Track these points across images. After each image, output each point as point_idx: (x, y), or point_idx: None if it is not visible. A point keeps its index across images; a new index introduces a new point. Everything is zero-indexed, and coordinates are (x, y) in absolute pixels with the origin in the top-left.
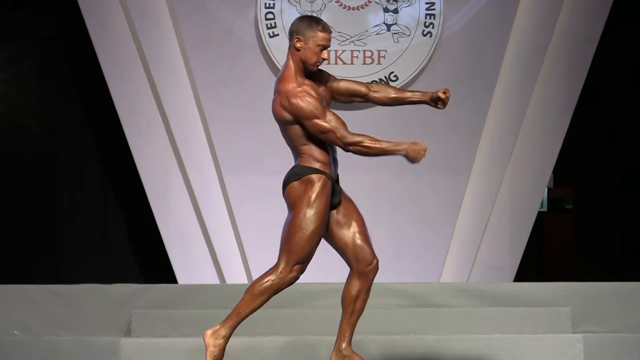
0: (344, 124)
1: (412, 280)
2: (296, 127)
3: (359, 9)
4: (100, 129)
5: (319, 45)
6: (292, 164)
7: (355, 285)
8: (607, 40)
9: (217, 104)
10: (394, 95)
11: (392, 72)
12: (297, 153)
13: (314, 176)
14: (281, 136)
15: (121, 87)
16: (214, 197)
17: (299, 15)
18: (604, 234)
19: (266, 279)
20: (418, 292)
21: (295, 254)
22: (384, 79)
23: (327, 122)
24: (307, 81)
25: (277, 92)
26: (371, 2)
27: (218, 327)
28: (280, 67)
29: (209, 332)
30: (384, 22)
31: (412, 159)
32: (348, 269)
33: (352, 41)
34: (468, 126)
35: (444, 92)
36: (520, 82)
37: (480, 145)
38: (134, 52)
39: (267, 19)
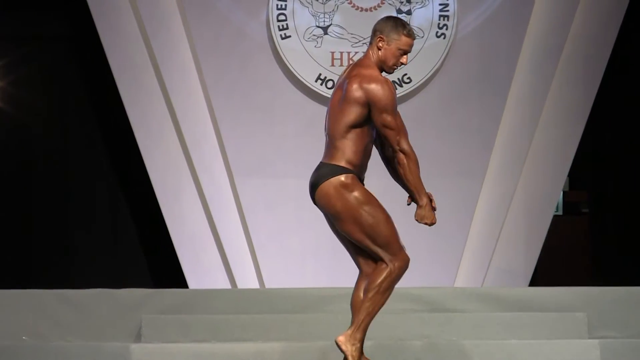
0: (407, 133)
1: (425, 285)
2: (357, 113)
3: (372, 10)
4: (111, 132)
5: (400, 49)
6: (304, 167)
7: (364, 288)
8: (623, 43)
9: (228, 107)
10: (400, 172)
11: (406, 74)
12: (332, 145)
13: (343, 177)
14: (292, 139)
15: (132, 90)
16: (225, 201)
17: (310, 16)
18: (620, 238)
19: (385, 276)
20: (432, 297)
21: (392, 244)
22: (397, 82)
23: (396, 120)
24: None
25: (358, 75)
26: (384, 3)
27: (350, 331)
28: (292, 69)
29: (342, 338)
30: None
31: (418, 216)
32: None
33: (365, 43)
34: (482, 129)
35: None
36: (535, 84)
37: (494, 148)
38: (145, 55)
39: (279, 21)
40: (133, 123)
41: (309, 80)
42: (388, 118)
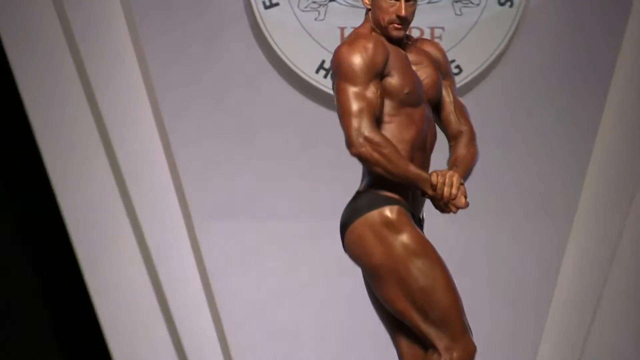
0: (374, 110)
1: None
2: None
3: None
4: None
5: None
6: (301, 203)
7: None
8: None
9: (184, 114)
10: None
11: (454, 61)
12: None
13: (387, 211)
14: (282, 160)
15: (34, 84)
16: (180, 257)
17: None
18: None
19: None
20: None
21: (452, 322)
22: None
23: (356, 96)
24: (386, 43)
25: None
26: None
27: None
28: (281, 55)
29: None
30: None
31: (441, 204)
32: None
33: None
34: (569, 143)
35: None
36: None
37: (588, 174)
38: (59, 33)
39: None
40: (38, 134)
41: (307, 71)
42: (344, 94)
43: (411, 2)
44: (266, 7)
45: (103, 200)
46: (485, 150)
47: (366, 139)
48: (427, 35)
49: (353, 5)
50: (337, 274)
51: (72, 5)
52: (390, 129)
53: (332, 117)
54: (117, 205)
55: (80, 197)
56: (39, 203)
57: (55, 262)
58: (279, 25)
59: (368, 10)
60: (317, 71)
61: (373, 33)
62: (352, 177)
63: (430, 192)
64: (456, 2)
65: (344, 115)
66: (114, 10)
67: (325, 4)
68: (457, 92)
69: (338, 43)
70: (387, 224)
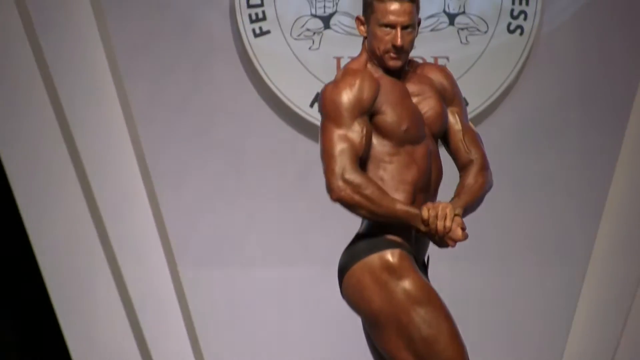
0: (357, 151)
1: None
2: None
3: None
4: None
5: (381, 26)
6: (293, 249)
7: None
8: None
9: (167, 149)
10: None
11: None
12: None
13: (388, 254)
14: (272, 202)
15: (10, 125)
16: (163, 308)
17: None
18: None
19: None
20: None
21: None
22: None
23: (338, 138)
24: (381, 75)
25: None
26: None
27: None
28: (272, 86)
29: None
30: (445, 11)
31: (437, 239)
32: None
33: None
34: (586, 187)
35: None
36: None
37: (604, 216)
38: (30, 60)
39: (250, 6)
40: (10, 175)
41: (300, 104)
42: (327, 135)
43: (409, 30)
44: (256, 35)
45: (81, 245)
46: (493, 190)
47: (345, 181)
48: None
49: (350, 33)
50: (334, 324)
51: (46, 31)
52: (390, 170)
53: None
54: (95, 251)
55: (56, 241)
56: (12, 247)
57: (30, 312)
58: (270, 55)
59: (364, 38)
60: (312, 105)
61: (368, 65)
62: (350, 218)
63: (422, 228)
64: (462, 29)
65: (325, 159)
66: (92, 37)
67: (320, 32)
68: (467, 119)
69: (334, 74)
70: (388, 268)
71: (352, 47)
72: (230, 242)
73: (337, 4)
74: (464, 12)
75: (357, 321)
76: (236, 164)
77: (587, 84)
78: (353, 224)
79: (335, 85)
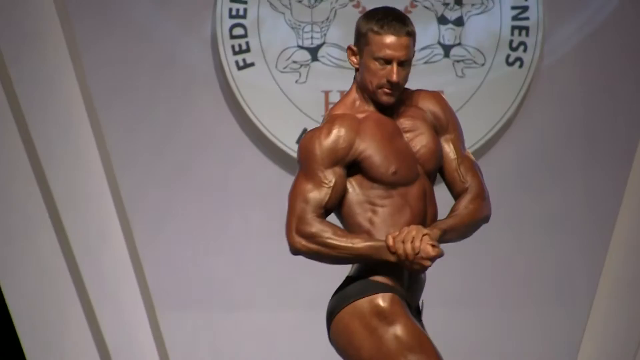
0: (319, 204)
1: None
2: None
3: None
4: None
5: (376, 59)
6: (282, 293)
7: None
8: None
9: (145, 189)
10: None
11: None
12: None
13: (377, 298)
14: (257, 245)
15: None
16: (141, 352)
17: (289, 28)
18: None
19: None
20: None
21: None
22: None
23: (301, 189)
24: (371, 113)
25: None
26: (416, 5)
27: None
28: (256, 122)
29: None
30: (439, 42)
31: (408, 264)
32: None
33: None
34: (589, 226)
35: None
36: None
37: (609, 259)
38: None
39: (233, 37)
40: None
41: (287, 142)
42: (296, 185)
43: (405, 66)
44: (240, 68)
45: (54, 290)
46: (491, 230)
47: (299, 233)
48: None
49: (339, 66)
50: None
51: (19, 68)
52: (381, 214)
53: None
54: (69, 295)
55: (28, 287)
56: None
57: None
58: (254, 89)
59: (356, 70)
60: (298, 141)
61: (357, 103)
62: None
63: (391, 258)
64: (457, 62)
65: (287, 213)
66: (67, 73)
67: (307, 65)
68: (464, 146)
69: (322, 109)
70: (379, 314)
71: (341, 80)
72: (212, 285)
73: (325, 34)
74: (459, 44)
75: None
76: (218, 204)
77: (590, 119)
78: (341, 267)
79: (312, 133)
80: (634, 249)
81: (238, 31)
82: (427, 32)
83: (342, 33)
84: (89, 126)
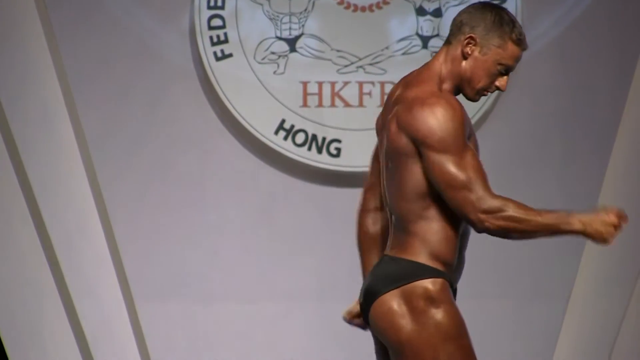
0: (484, 175)
1: None
2: (415, 168)
3: (372, 10)
4: None
5: (500, 64)
6: (259, 286)
7: None
8: None
9: (124, 180)
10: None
11: None
12: (402, 228)
13: (429, 284)
14: (235, 238)
15: None
16: (120, 342)
17: (267, 19)
18: None
19: None
20: None
21: None
22: None
23: (464, 166)
24: (454, 99)
25: (400, 103)
26: None
27: None
28: (235, 113)
29: None
30: (418, 33)
31: (599, 239)
32: None
33: (362, 66)
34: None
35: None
36: None
37: (586, 252)
38: None
39: (211, 28)
40: None
41: (265, 132)
42: (451, 166)
43: (507, 77)
44: (218, 59)
45: (32, 279)
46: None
47: (483, 211)
48: None
49: (317, 57)
50: None
51: None
52: (438, 215)
53: (294, 183)
54: (48, 285)
55: (6, 276)
56: None
57: None
58: (232, 80)
59: (464, 58)
60: (277, 132)
61: (443, 86)
62: (316, 252)
63: (578, 228)
64: (436, 53)
65: (453, 191)
66: (44, 64)
67: (285, 55)
68: None
69: (300, 100)
70: (428, 298)
71: (319, 71)
72: (190, 277)
73: (303, 26)
74: (438, 35)
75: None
76: (196, 195)
77: (567, 113)
78: (319, 258)
79: (432, 111)
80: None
81: (216, 22)
82: (405, 23)
83: (320, 24)
84: (67, 118)
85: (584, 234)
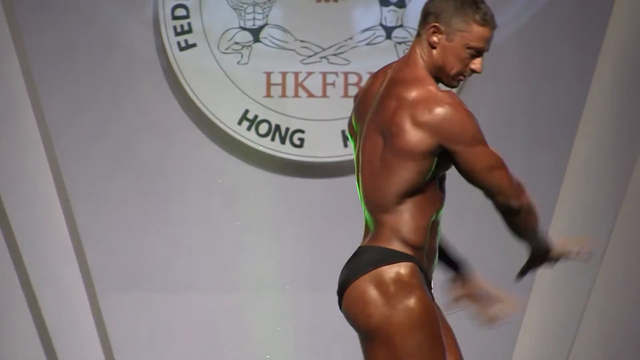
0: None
1: None
2: (418, 166)
3: (336, 1)
4: None
5: (469, 47)
6: (221, 275)
7: None
8: None
9: (86, 170)
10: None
11: None
12: (376, 219)
13: (401, 268)
14: (199, 227)
15: None
16: (81, 333)
17: (230, 9)
18: None
19: None
20: None
21: None
22: None
23: (493, 151)
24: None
25: (402, 100)
26: None
27: None
28: (198, 103)
29: None
30: (381, 24)
31: (565, 254)
32: None
33: (325, 57)
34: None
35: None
36: (627, 128)
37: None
38: None
39: (175, 18)
40: None
41: (228, 123)
42: (492, 153)
43: (480, 59)
44: (182, 49)
45: None
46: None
47: (519, 186)
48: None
49: (281, 47)
50: (261, 354)
51: None
52: (414, 207)
53: (257, 174)
54: (9, 276)
55: None
56: None
57: None
58: (196, 70)
59: (432, 47)
60: (240, 122)
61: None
62: (279, 242)
63: (561, 251)
64: (399, 43)
65: (494, 171)
66: (6, 50)
67: (249, 46)
68: None
69: (264, 90)
70: (399, 281)
71: (282, 62)
72: (152, 267)
73: (267, 16)
74: (401, 26)
75: (286, 350)
76: (159, 185)
77: (531, 102)
78: (282, 248)
79: (454, 108)
80: (574, 231)
81: (180, 12)
82: (369, 14)
83: (284, 14)
84: (30, 108)
85: (558, 255)
